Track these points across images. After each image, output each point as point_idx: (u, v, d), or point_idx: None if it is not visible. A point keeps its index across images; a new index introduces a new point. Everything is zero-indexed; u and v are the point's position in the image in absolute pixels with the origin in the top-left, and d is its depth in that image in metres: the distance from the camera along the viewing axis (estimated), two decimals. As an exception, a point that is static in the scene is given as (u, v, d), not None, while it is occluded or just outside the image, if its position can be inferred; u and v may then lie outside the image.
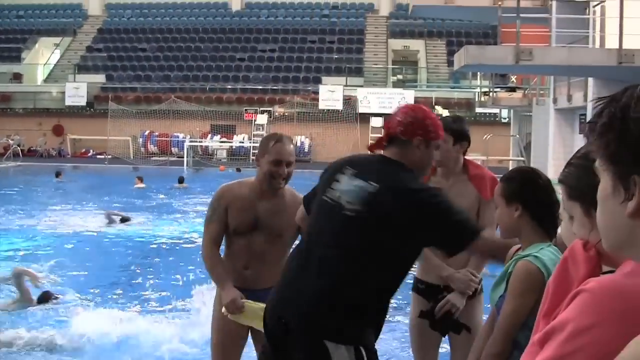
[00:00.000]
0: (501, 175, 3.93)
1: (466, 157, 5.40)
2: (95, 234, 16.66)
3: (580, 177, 2.30)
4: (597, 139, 1.45)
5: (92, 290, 11.19)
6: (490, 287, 3.74)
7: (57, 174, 28.58)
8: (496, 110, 40.39)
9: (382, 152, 4.09)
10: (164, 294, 10.91)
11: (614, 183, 1.42)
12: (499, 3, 18.60)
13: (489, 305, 3.85)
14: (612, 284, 1.47)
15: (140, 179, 26.96)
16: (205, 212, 5.20)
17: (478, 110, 40.71)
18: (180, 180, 26.46)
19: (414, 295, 5.47)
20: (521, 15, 18.63)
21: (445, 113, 41.07)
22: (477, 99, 40.27)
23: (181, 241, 15.92)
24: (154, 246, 15.57)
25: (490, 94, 34.35)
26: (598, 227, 1.56)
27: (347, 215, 3.76)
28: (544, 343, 1.56)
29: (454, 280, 5.07)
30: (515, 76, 33.92)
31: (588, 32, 20.34)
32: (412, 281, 5.51)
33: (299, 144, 41.41)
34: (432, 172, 5.35)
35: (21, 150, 40.29)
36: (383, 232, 3.75)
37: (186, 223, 18.33)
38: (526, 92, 31.52)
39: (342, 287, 3.75)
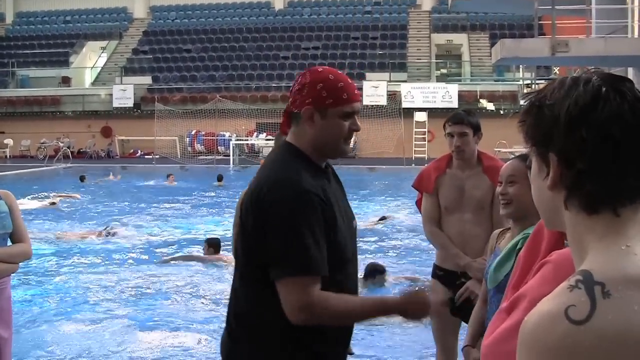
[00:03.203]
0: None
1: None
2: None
3: None
4: (520, 125, 1.65)
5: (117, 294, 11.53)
6: (491, 268, 3.91)
7: (82, 178, 28.60)
8: (540, 103, 39.95)
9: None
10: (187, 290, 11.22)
11: (538, 162, 1.61)
12: (535, -5, 18.56)
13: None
14: (570, 255, 1.63)
15: (172, 176, 27.85)
16: None
17: (522, 102, 40.43)
18: (219, 179, 26.80)
19: (433, 281, 5.70)
20: (559, 7, 18.62)
21: (490, 106, 41.03)
22: (520, 92, 40.08)
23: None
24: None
25: (533, 86, 34.21)
26: (536, 206, 1.72)
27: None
28: (510, 311, 1.75)
29: (471, 269, 5.28)
30: (558, 68, 33.77)
31: (627, 22, 20.23)
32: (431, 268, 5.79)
33: (344, 140, 41.50)
34: (449, 164, 5.58)
35: (71, 152, 40.88)
36: (245, 237, 3.15)
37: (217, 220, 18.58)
38: (568, 83, 31.13)
39: (235, 306, 3.27)
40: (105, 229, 16.26)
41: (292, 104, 3.22)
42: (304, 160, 3.17)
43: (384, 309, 3.24)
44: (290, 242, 2.96)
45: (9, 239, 5.11)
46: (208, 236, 14.24)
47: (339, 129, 3.16)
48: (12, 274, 5.19)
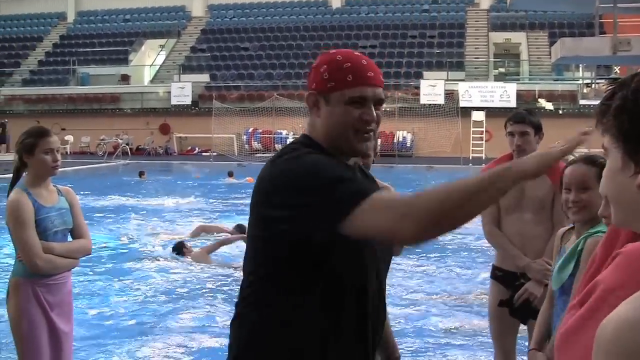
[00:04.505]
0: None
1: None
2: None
3: None
4: (610, 119, 1.60)
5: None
6: (555, 269, 3.89)
7: (141, 174, 28.80)
8: (601, 102, 39.44)
9: None
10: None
11: (623, 159, 1.56)
12: (596, -7, 18.23)
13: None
14: None
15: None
16: None
17: (582, 102, 39.97)
18: None
19: (492, 282, 5.65)
20: (620, 5, 18.29)
21: (549, 106, 40.59)
22: (580, 91, 39.59)
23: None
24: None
25: (593, 86, 33.74)
26: (611, 203, 1.67)
27: None
28: (583, 303, 1.67)
29: (531, 270, 5.22)
30: (619, 67, 33.29)
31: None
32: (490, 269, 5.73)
33: (400, 138, 41.51)
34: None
35: (130, 148, 41.43)
36: (255, 228, 2.71)
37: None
38: (630, 83, 30.69)
39: (240, 313, 2.78)
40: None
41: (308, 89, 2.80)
42: (320, 149, 2.67)
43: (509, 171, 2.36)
44: (327, 180, 2.45)
45: (69, 235, 5.19)
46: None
47: (344, 116, 2.64)
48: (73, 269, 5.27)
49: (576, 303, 1.72)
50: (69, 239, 5.19)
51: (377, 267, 2.75)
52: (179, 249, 13.37)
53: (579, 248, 3.73)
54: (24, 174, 5.10)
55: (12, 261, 5.23)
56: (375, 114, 2.66)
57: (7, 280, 5.14)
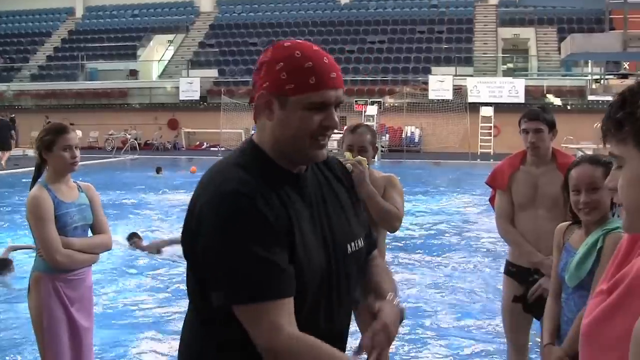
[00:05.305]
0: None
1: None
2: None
3: None
4: (633, 126, 1.61)
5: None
6: (572, 266, 3.90)
7: (158, 170, 28.33)
8: (610, 98, 39.31)
9: None
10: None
11: None
12: (606, -11, 18.26)
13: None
14: None
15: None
16: None
17: (590, 98, 39.88)
18: None
19: (505, 278, 5.68)
20: (630, 0, 18.31)
21: (557, 102, 40.50)
22: (588, 87, 39.50)
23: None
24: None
25: (602, 81, 33.67)
26: (628, 210, 1.66)
27: None
28: (612, 292, 1.67)
29: (544, 266, 5.24)
30: (628, 63, 33.21)
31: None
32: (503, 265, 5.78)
33: (409, 134, 41.56)
34: (522, 160, 5.55)
35: (138, 143, 41.50)
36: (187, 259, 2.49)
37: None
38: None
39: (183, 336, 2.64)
40: None
41: (253, 89, 2.52)
42: (260, 161, 2.45)
43: None
44: (227, 261, 2.27)
45: (89, 230, 5.25)
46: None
47: (302, 123, 2.37)
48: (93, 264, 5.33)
49: (605, 289, 1.71)
50: (89, 234, 5.25)
51: (338, 267, 2.50)
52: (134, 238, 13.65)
53: (598, 245, 3.75)
54: (45, 170, 5.18)
55: (33, 256, 5.28)
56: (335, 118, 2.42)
57: (28, 275, 5.21)
